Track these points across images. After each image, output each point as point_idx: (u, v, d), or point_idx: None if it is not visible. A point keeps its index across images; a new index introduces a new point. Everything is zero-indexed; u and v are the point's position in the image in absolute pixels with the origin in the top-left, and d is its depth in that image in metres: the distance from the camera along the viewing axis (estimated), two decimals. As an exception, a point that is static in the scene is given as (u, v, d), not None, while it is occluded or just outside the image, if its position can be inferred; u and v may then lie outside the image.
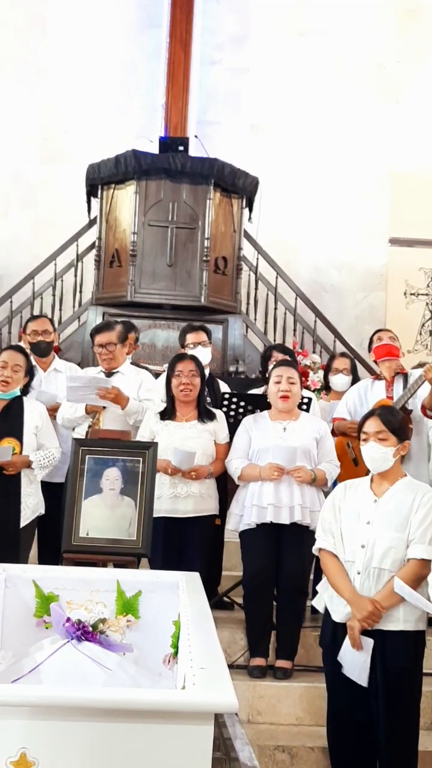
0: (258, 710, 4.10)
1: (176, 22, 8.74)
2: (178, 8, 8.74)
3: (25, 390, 4.42)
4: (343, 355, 5.62)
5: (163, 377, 4.90)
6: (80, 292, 7.99)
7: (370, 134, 9.20)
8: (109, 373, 4.67)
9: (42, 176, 9.04)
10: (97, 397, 4.43)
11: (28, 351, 5.07)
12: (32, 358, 5.09)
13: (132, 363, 5.34)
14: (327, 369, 5.50)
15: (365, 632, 3.21)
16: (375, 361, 5.08)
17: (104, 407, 4.54)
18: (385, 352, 4.90)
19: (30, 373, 4.43)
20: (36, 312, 7.58)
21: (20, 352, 4.45)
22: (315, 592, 3.57)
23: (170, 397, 4.44)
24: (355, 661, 3.23)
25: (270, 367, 4.67)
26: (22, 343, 5.49)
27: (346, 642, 3.25)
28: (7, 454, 4.13)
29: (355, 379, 5.25)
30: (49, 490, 4.51)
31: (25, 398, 4.37)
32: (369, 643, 3.20)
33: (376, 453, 3.31)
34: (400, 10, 9.31)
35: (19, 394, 4.33)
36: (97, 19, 9.15)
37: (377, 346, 5.00)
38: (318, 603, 3.48)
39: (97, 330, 4.78)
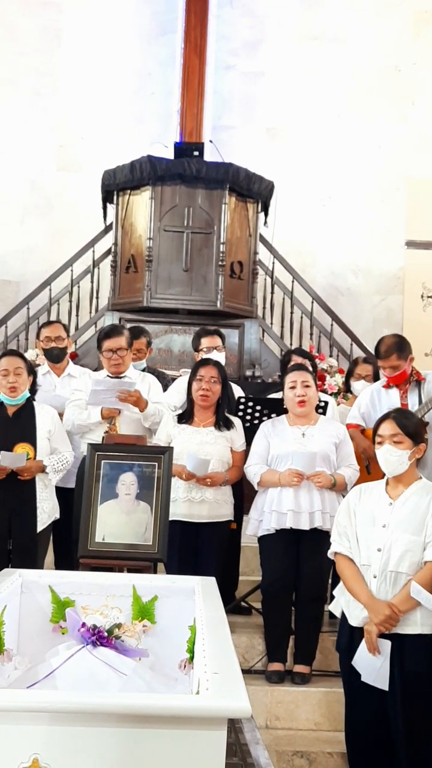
0: (276, 715, 4.08)
1: (190, 29, 8.76)
2: (193, 14, 8.76)
3: (33, 388, 4.41)
4: (365, 360, 5.52)
5: (181, 380, 4.89)
6: (97, 298, 8.01)
7: (386, 137, 9.17)
8: (116, 378, 4.56)
9: (58, 184, 9.09)
10: (117, 400, 4.39)
11: (42, 356, 5.07)
12: (46, 363, 5.13)
13: (149, 368, 5.34)
14: (348, 374, 5.44)
15: (382, 635, 3.19)
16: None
17: (119, 411, 4.50)
18: (397, 383, 4.79)
19: (32, 371, 4.41)
20: (53, 318, 7.60)
21: (16, 356, 4.43)
22: (333, 597, 3.55)
23: (190, 401, 4.42)
24: (372, 666, 3.21)
25: (289, 371, 4.64)
26: (36, 350, 5.49)
27: (361, 647, 3.23)
28: (21, 460, 4.14)
29: None
30: (61, 494, 4.49)
31: (35, 403, 4.38)
32: (386, 645, 3.18)
33: (392, 456, 3.30)
34: (416, 13, 9.28)
35: (29, 395, 4.34)
36: (111, 28, 9.20)
37: (390, 377, 4.82)
38: (335, 608, 3.46)
39: (107, 334, 4.61)
